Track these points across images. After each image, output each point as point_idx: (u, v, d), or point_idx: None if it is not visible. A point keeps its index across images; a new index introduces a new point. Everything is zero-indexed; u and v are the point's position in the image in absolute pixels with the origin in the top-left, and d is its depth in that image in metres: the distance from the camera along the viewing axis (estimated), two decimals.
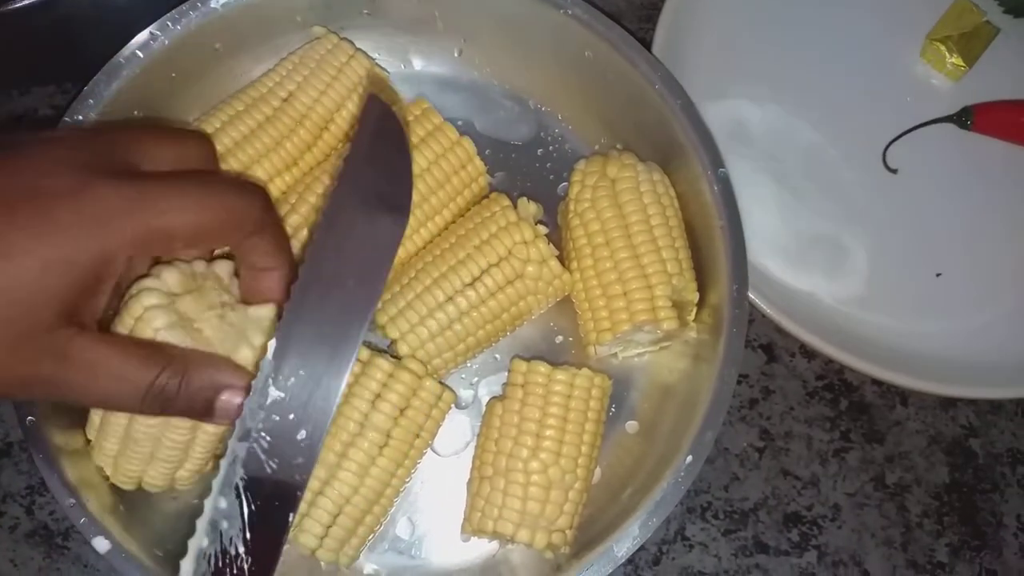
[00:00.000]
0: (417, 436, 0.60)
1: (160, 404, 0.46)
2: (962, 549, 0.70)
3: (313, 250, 0.46)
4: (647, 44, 0.73)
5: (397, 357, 0.62)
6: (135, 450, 0.54)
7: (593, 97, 0.70)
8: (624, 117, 0.69)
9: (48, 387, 0.44)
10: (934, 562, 0.69)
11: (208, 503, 0.44)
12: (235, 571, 0.44)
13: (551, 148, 0.73)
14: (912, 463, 0.71)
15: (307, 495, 0.59)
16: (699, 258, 0.66)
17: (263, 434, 0.44)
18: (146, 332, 0.47)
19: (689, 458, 0.58)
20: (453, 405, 0.64)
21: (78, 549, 0.66)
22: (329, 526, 0.59)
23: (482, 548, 0.64)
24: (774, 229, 0.75)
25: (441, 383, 0.62)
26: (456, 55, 0.73)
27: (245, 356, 0.49)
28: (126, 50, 0.62)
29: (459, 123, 0.73)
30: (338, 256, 0.46)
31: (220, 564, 0.44)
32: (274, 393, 0.44)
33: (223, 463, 0.44)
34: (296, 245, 0.60)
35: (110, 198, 0.43)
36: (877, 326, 0.73)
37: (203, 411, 0.48)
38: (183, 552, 0.44)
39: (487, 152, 0.72)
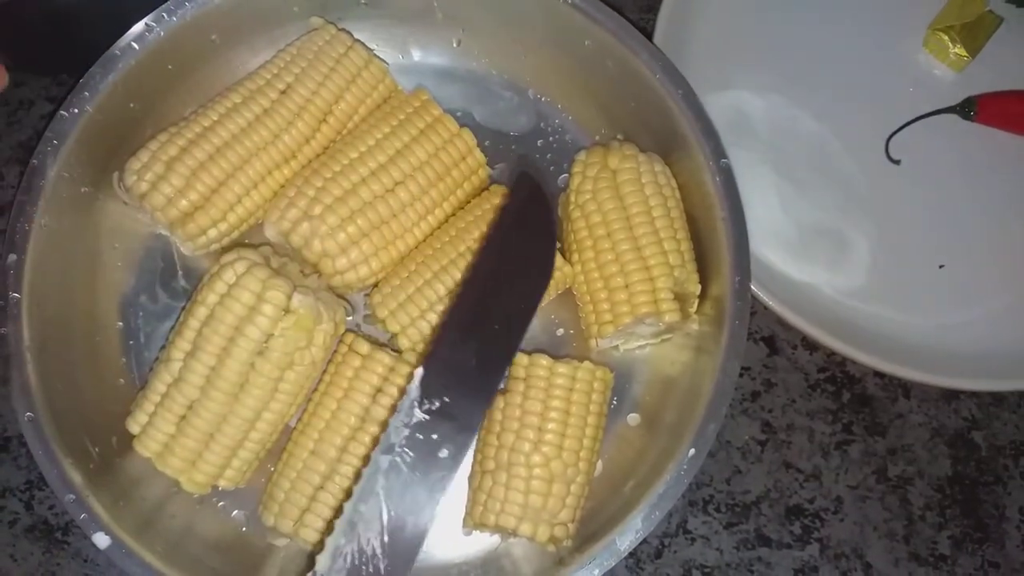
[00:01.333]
0: None
1: None
2: (964, 541, 0.69)
3: (461, 295, 0.52)
4: (648, 34, 0.73)
5: (398, 351, 0.62)
6: (191, 434, 0.57)
7: (593, 87, 0.70)
8: (625, 107, 0.69)
9: None
10: (936, 554, 0.69)
11: (348, 506, 0.48)
12: (371, 569, 0.47)
13: (551, 139, 0.73)
14: (914, 455, 0.71)
15: (307, 489, 0.59)
16: (701, 249, 0.65)
17: (406, 449, 0.49)
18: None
19: (692, 451, 0.58)
20: None
21: (78, 544, 0.66)
22: (330, 520, 0.58)
23: (484, 542, 0.64)
24: (776, 220, 0.74)
25: None
26: (455, 45, 0.72)
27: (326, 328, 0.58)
28: (122, 42, 0.62)
29: (458, 114, 0.72)
30: (484, 302, 0.52)
31: (356, 561, 0.47)
32: (418, 415, 0.49)
33: (365, 472, 0.48)
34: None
35: None
36: (879, 318, 0.72)
37: None
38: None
39: (487, 143, 0.71)
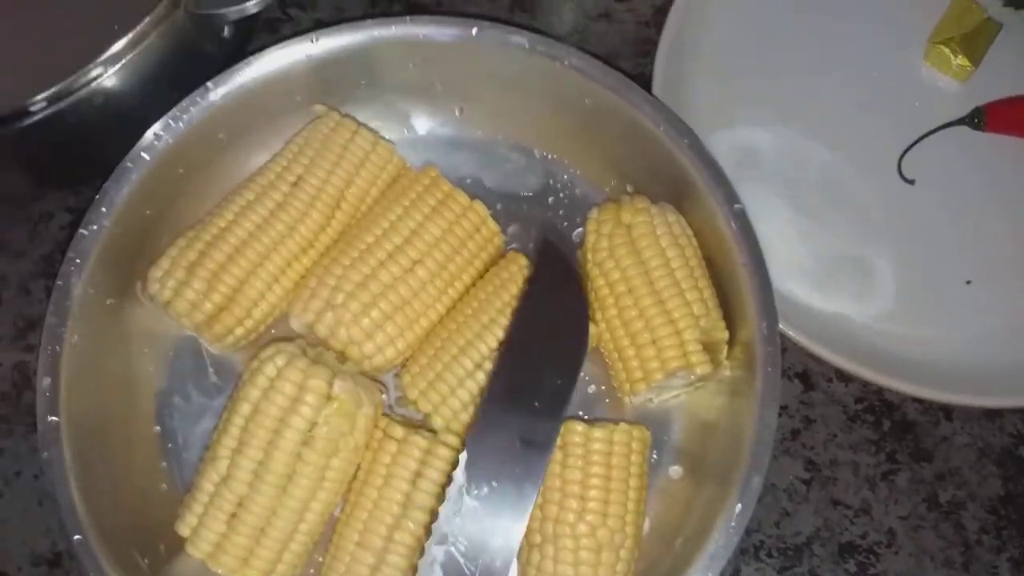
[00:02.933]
0: None
1: None
2: None
3: (497, 372, 0.52)
4: (646, 80, 0.73)
5: (432, 430, 0.62)
6: (242, 530, 0.57)
7: (599, 142, 0.70)
8: (632, 159, 0.69)
9: None
10: None
11: None
12: None
13: (562, 195, 0.73)
14: (964, 478, 0.70)
15: None
16: (724, 295, 0.65)
17: (460, 538, 0.50)
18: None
19: (739, 506, 0.58)
20: None
21: None
22: None
23: None
24: (795, 254, 0.74)
25: None
26: (457, 114, 0.73)
27: (367, 412, 0.59)
28: (133, 153, 0.63)
29: (468, 181, 0.72)
30: (523, 379, 0.52)
31: None
32: (468, 502, 0.49)
33: (420, 564, 0.49)
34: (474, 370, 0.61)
35: None
36: (911, 341, 0.72)
37: None
38: None
39: (498, 207, 0.71)
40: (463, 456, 0.49)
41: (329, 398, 0.59)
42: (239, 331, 0.63)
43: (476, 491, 0.49)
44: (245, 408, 0.59)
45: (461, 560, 0.48)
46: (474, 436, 0.50)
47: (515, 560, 0.48)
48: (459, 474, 0.49)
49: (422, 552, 0.48)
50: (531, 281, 0.54)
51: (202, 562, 0.59)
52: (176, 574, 0.61)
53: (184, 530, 0.60)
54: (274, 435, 0.58)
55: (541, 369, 0.52)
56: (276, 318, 0.66)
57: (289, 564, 0.60)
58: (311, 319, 0.62)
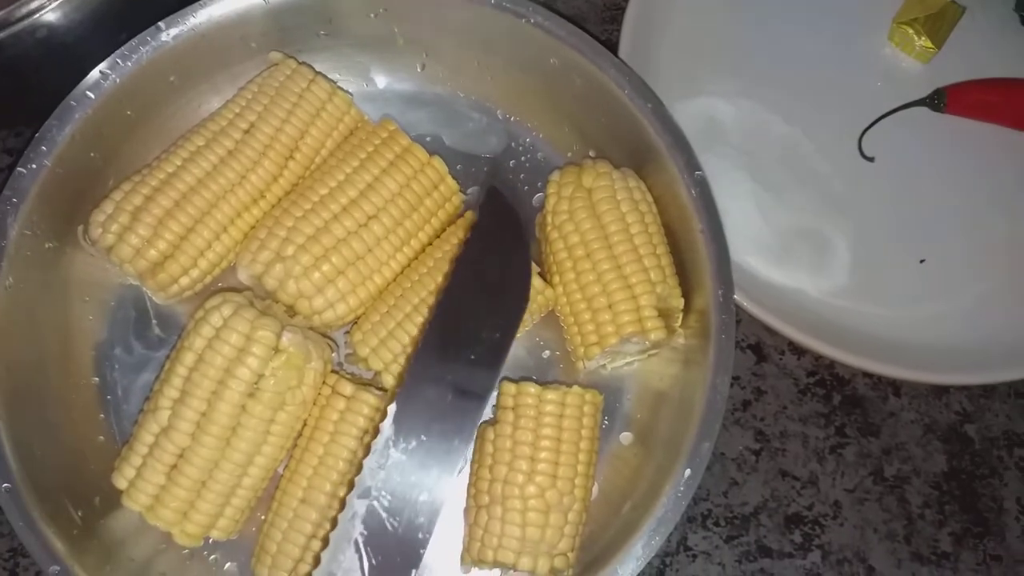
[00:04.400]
0: None
1: None
2: (965, 537, 0.69)
3: (433, 325, 0.48)
4: (613, 46, 0.72)
5: (383, 389, 0.61)
6: (182, 483, 0.56)
7: (562, 104, 0.69)
8: (595, 123, 0.68)
9: None
10: (938, 552, 0.69)
11: (326, 555, 0.46)
12: None
13: (523, 159, 0.72)
14: (909, 454, 0.71)
15: (300, 539, 0.57)
16: (681, 262, 0.65)
17: (384, 493, 0.46)
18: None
19: (688, 471, 0.57)
20: None
21: None
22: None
23: None
24: (754, 226, 0.74)
25: None
26: (419, 70, 0.71)
27: (316, 367, 0.57)
28: (77, 91, 0.60)
29: (427, 139, 0.71)
30: (458, 332, 0.48)
31: None
32: (395, 455, 0.46)
33: (341, 518, 0.46)
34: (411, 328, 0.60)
35: None
36: (865, 317, 0.72)
37: None
38: None
39: (458, 167, 0.70)
40: (391, 408, 0.47)
41: (277, 350, 0.57)
42: (184, 281, 0.61)
43: (404, 444, 0.46)
44: (188, 358, 0.57)
45: (384, 515, 0.46)
46: (404, 387, 0.48)
47: (437, 518, 0.46)
48: (386, 426, 0.47)
49: (342, 506, 0.46)
50: (474, 229, 0.52)
51: (139, 515, 0.57)
52: (112, 527, 0.59)
53: (121, 482, 0.58)
54: (218, 386, 0.57)
55: (479, 320, 0.49)
56: (223, 269, 0.64)
57: (230, 519, 0.59)
58: (259, 270, 0.60)
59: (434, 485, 0.46)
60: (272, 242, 0.60)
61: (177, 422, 0.56)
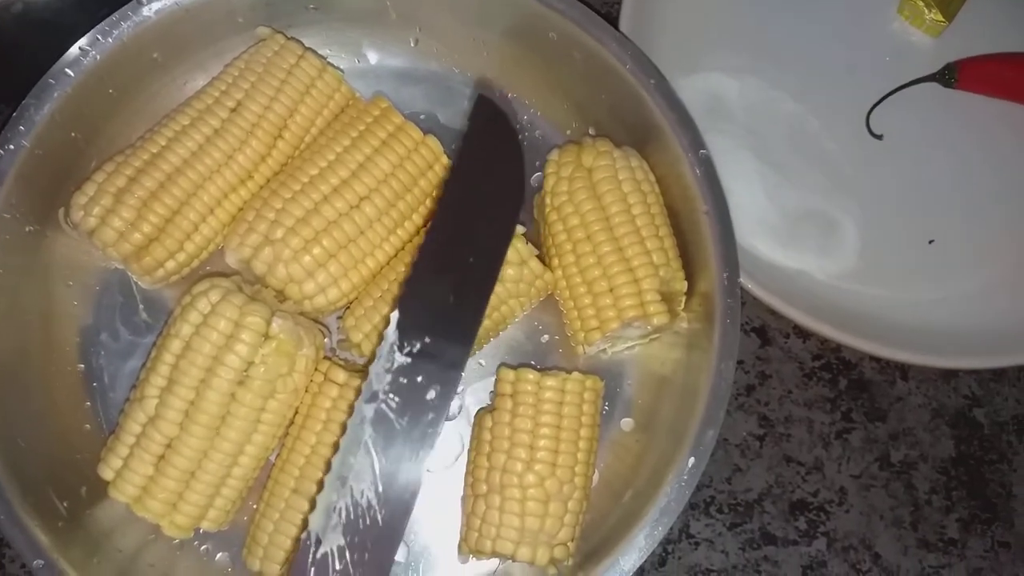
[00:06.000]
0: None
1: None
2: (973, 523, 0.68)
3: (431, 229, 0.49)
4: (613, 20, 0.70)
5: None
6: (170, 473, 0.54)
7: (562, 81, 0.66)
8: (595, 100, 0.66)
9: None
10: (945, 539, 0.67)
11: (336, 460, 0.46)
12: (368, 521, 0.45)
13: (521, 137, 0.69)
14: (917, 439, 0.69)
15: (292, 530, 0.56)
16: (684, 244, 0.63)
17: (391, 396, 0.46)
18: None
19: (691, 460, 0.56)
20: None
21: None
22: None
23: (481, 567, 0.62)
24: (759, 207, 0.72)
25: None
26: (412, 45, 0.69)
27: (307, 354, 0.56)
28: (55, 69, 0.58)
29: (421, 117, 0.69)
30: (457, 235, 0.49)
31: (352, 516, 0.45)
32: (400, 358, 0.47)
33: (349, 423, 0.46)
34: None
35: None
36: (872, 299, 0.70)
37: None
38: None
39: (453, 146, 0.68)
40: (393, 314, 0.47)
41: (267, 337, 0.55)
42: (170, 265, 0.59)
43: (408, 347, 0.47)
44: (175, 345, 0.56)
45: (392, 416, 0.46)
46: (405, 291, 0.48)
47: (445, 413, 0.47)
48: (391, 331, 0.47)
49: (350, 412, 0.47)
50: (464, 136, 0.51)
51: (126, 506, 0.56)
52: (99, 518, 0.57)
53: (107, 473, 0.56)
54: (207, 374, 0.55)
55: (476, 224, 0.50)
56: (211, 252, 0.62)
57: (221, 510, 0.57)
58: (248, 254, 0.58)
59: (440, 383, 0.47)
60: (260, 224, 0.58)
61: (164, 411, 0.54)
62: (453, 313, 0.48)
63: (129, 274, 0.63)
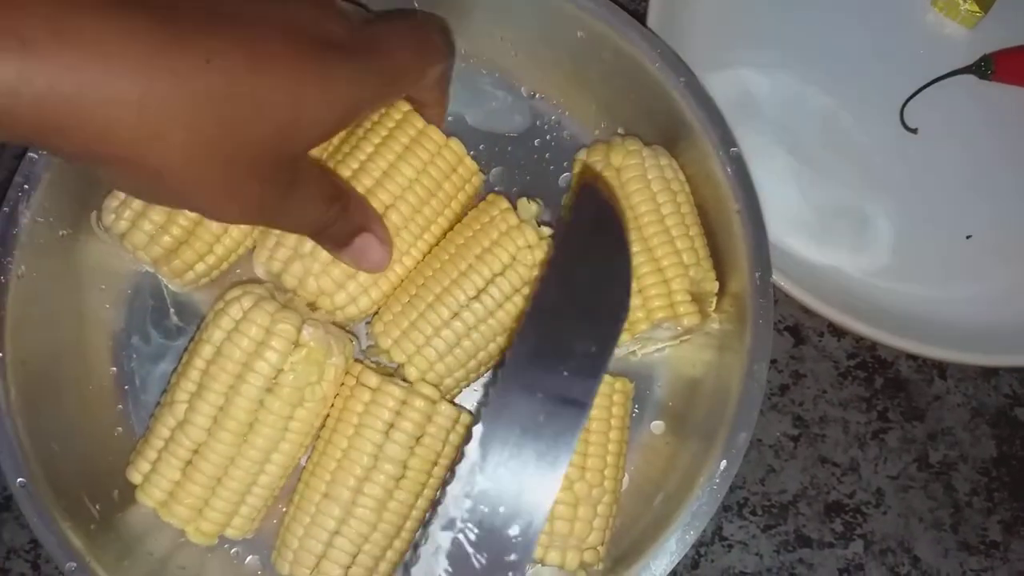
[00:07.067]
0: (435, 464, 0.57)
1: (324, 225, 0.53)
2: (1015, 525, 0.66)
3: (521, 335, 0.43)
4: (641, 17, 0.69)
5: (406, 381, 0.59)
6: (197, 479, 0.54)
7: (589, 80, 0.66)
8: (624, 99, 0.65)
9: (266, 215, 0.50)
10: (987, 542, 0.66)
11: None
12: None
13: (548, 137, 0.69)
14: (956, 439, 0.68)
15: (322, 535, 0.56)
16: (715, 243, 0.62)
17: (470, 525, 0.42)
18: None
19: (724, 463, 0.55)
20: None
21: None
22: (348, 566, 0.55)
23: None
24: (792, 204, 0.71)
25: (456, 405, 0.58)
26: None
27: (337, 363, 0.57)
28: None
29: (449, 118, 0.68)
30: (551, 344, 0.43)
31: None
32: (481, 482, 0.42)
33: (423, 552, 0.41)
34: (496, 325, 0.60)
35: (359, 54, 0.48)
36: (908, 297, 0.69)
37: (345, 242, 0.55)
38: None
39: (481, 147, 0.68)
40: (477, 428, 0.42)
41: (297, 344, 0.56)
42: (200, 267, 0.59)
43: (491, 470, 0.42)
44: (206, 350, 0.56)
45: (470, 550, 0.41)
46: (491, 406, 0.43)
47: (531, 556, 0.42)
48: (472, 449, 0.42)
49: (426, 539, 0.42)
50: (568, 231, 0.46)
51: (153, 511, 0.56)
52: (130, 521, 0.58)
53: (135, 477, 0.56)
54: (236, 380, 0.55)
55: (574, 333, 0.44)
56: (240, 255, 0.62)
57: (246, 518, 0.57)
58: (278, 268, 0.59)
59: (525, 517, 0.42)
60: (289, 239, 0.58)
61: (193, 416, 0.55)
62: (545, 433, 0.42)
63: (160, 278, 0.63)
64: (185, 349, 0.60)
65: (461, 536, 0.42)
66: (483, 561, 0.41)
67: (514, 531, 0.42)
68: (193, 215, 0.58)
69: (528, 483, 0.42)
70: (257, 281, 0.60)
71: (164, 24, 0.40)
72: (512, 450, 0.42)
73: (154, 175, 0.42)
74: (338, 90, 0.46)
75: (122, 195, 0.58)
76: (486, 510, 0.42)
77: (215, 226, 0.59)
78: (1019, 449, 0.68)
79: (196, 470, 0.55)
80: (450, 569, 0.41)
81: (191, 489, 0.55)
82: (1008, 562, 0.66)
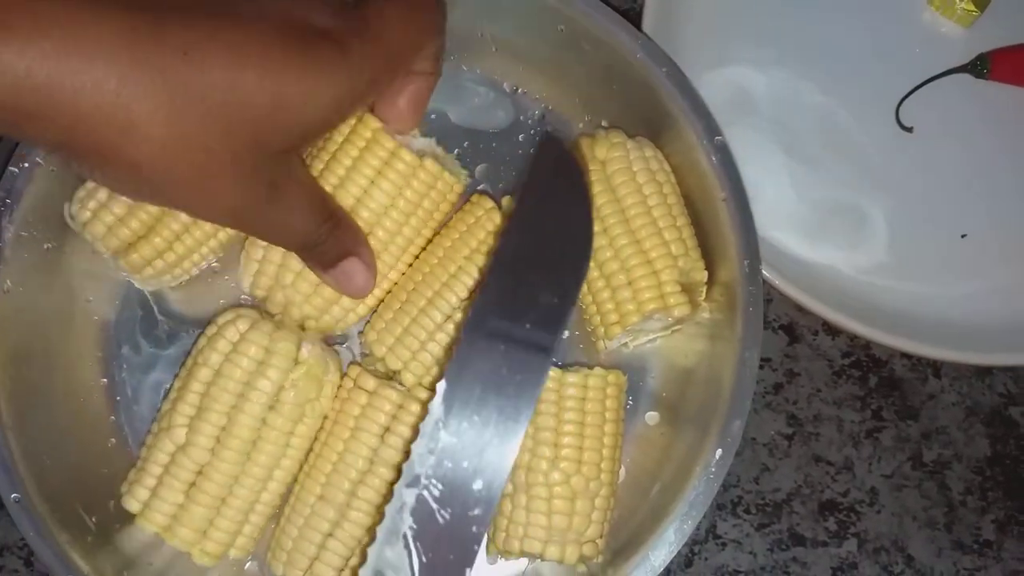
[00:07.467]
0: None
1: (312, 242, 0.52)
2: (1009, 525, 0.66)
3: (484, 290, 0.43)
4: (637, 15, 0.68)
5: (402, 385, 0.59)
6: (201, 500, 0.54)
7: (571, 74, 0.65)
8: (607, 92, 0.64)
9: (247, 215, 0.48)
10: (981, 541, 0.66)
11: (372, 551, 0.42)
12: None
13: (532, 132, 0.68)
14: (950, 438, 0.68)
15: (316, 536, 0.56)
16: (703, 233, 0.61)
17: (434, 481, 0.42)
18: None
19: (719, 452, 0.55)
20: None
21: None
22: (341, 569, 0.56)
23: (510, 567, 0.61)
24: (787, 201, 0.70)
25: None
26: None
27: (333, 379, 0.57)
28: None
29: (432, 116, 0.67)
30: (514, 296, 0.43)
31: None
32: (445, 438, 0.42)
33: (388, 509, 0.42)
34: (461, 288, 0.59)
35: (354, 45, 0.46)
36: (903, 295, 0.69)
37: (331, 264, 0.54)
38: None
39: (465, 144, 0.67)
40: (440, 385, 0.43)
41: (297, 362, 0.56)
42: (159, 264, 0.58)
43: (455, 425, 0.42)
44: (204, 374, 0.56)
45: (435, 506, 0.42)
46: (454, 362, 0.43)
47: (494, 509, 0.42)
48: (436, 406, 0.42)
49: (390, 496, 0.42)
50: (526, 183, 0.46)
51: (156, 535, 0.56)
52: (126, 533, 0.57)
53: (133, 505, 0.56)
54: (238, 399, 0.55)
55: (536, 284, 0.44)
56: (206, 258, 0.61)
57: (248, 536, 0.57)
58: (261, 295, 0.59)
59: (489, 472, 0.42)
60: (269, 268, 0.58)
61: (195, 438, 0.55)
62: (507, 388, 0.43)
63: (142, 289, 0.63)
64: (181, 364, 0.60)
65: (426, 492, 0.42)
66: (447, 516, 0.42)
67: (478, 485, 0.42)
68: (155, 209, 0.57)
69: (491, 437, 0.42)
70: (247, 306, 0.61)
71: (142, 15, 0.40)
72: (475, 405, 0.42)
73: (131, 168, 0.42)
74: (325, 82, 0.44)
75: (91, 185, 0.57)
76: (450, 465, 0.42)
77: (175, 223, 0.58)
78: (1013, 448, 0.68)
79: (200, 491, 0.55)
80: (415, 526, 0.42)
81: (195, 511, 0.55)
82: (1001, 561, 0.66)
